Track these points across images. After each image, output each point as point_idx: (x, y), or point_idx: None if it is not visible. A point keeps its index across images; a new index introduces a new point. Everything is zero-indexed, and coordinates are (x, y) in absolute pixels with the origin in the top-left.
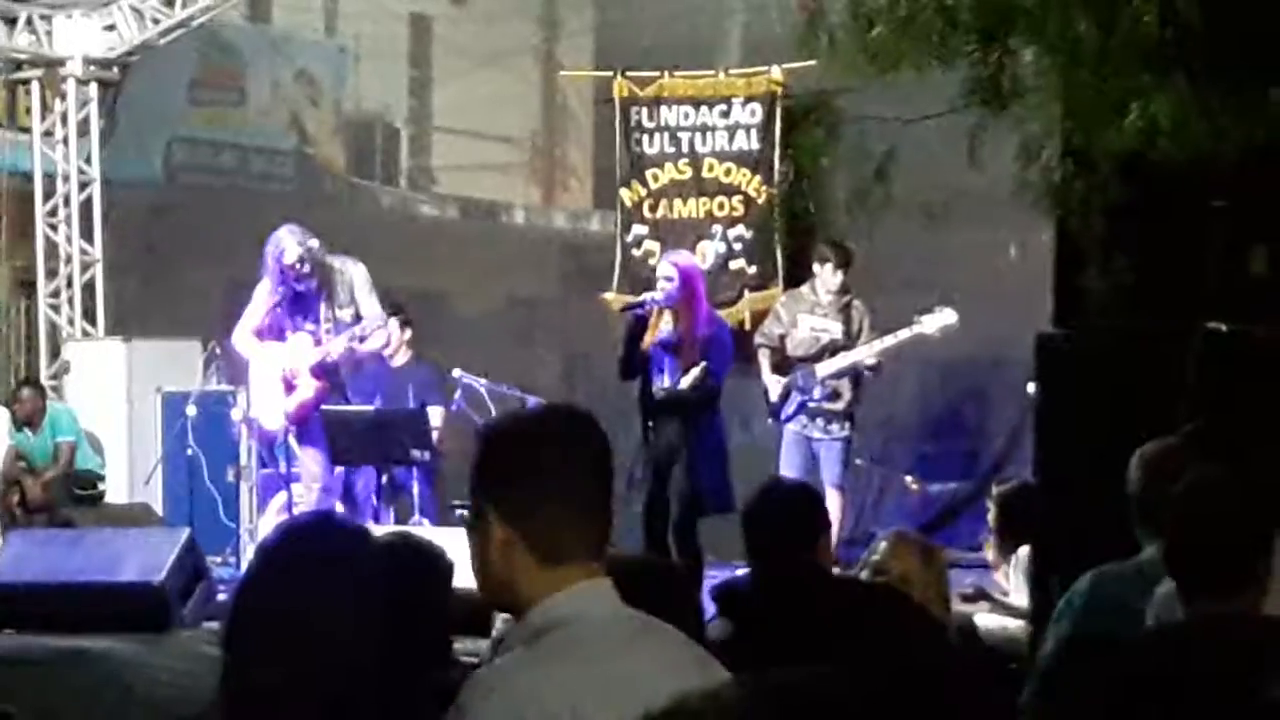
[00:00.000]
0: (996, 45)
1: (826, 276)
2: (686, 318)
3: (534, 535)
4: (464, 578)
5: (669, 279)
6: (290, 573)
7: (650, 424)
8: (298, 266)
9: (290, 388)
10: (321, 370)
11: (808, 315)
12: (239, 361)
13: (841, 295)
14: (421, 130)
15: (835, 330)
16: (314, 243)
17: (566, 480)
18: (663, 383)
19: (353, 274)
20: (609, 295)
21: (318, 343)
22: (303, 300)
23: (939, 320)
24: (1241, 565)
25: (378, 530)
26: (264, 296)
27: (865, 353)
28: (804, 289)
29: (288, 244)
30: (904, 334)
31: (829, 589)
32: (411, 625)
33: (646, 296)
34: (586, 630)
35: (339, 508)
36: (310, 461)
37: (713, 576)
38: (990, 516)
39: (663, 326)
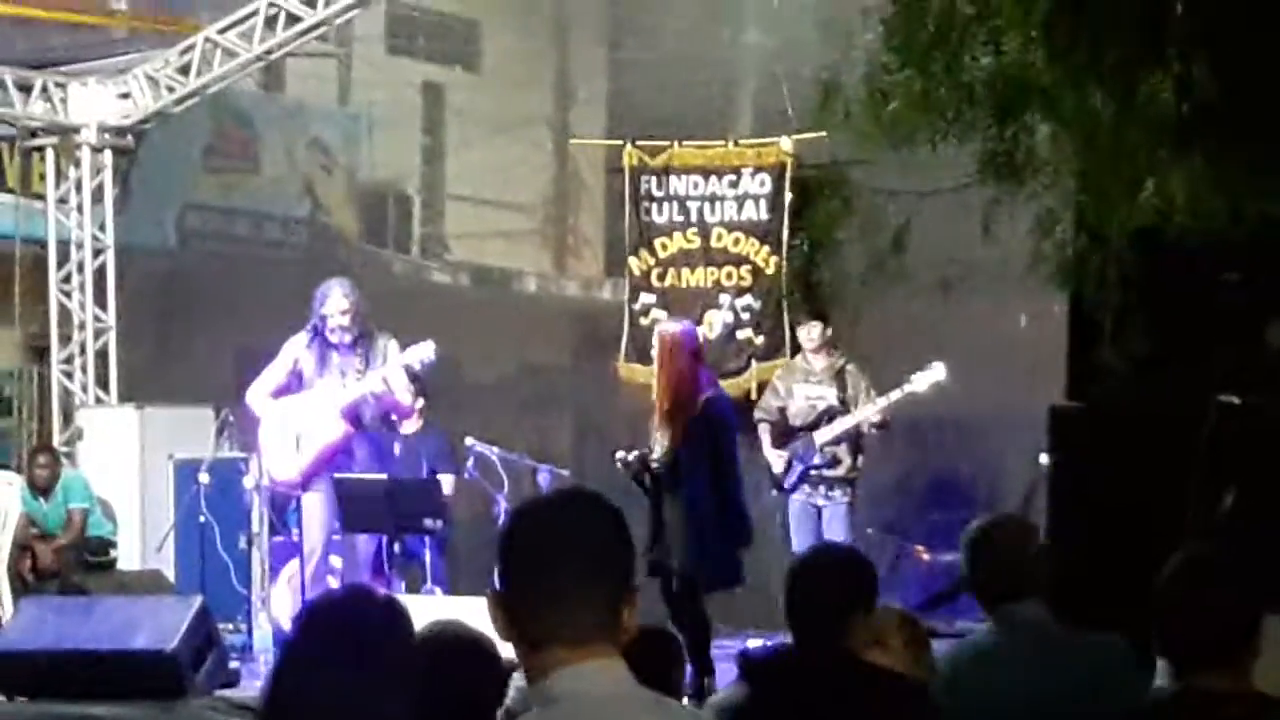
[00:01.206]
0: (1012, 121)
1: (804, 337)
2: (672, 385)
3: (519, 618)
4: None
5: (653, 346)
6: (327, 648)
7: (653, 498)
8: (338, 316)
9: (310, 437)
10: (352, 414)
11: (802, 384)
12: (251, 428)
13: (833, 359)
14: (434, 198)
15: (831, 396)
16: (361, 302)
17: (547, 567)
18: (657, 455)
19: (388, 345)
20: (620, 364)
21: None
22: (336, 354)
23: (929, 377)
24: (1234, 641)
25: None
26: (293, 352)
27: (860, 416)
28: (797, 359)
29: (334, 294)
30: (896, 394)
31: (854, 675)
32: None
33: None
34: (575, 709)
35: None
36: (315, 524)
37: (725, 646)
38: None
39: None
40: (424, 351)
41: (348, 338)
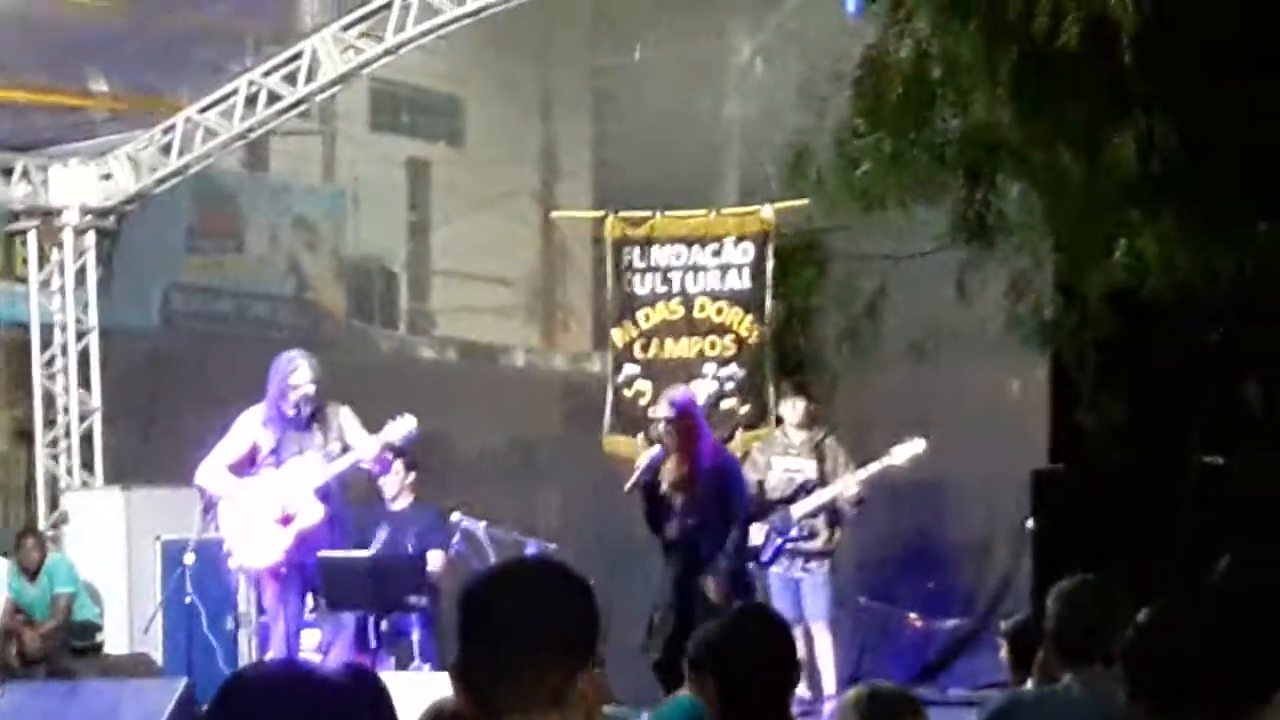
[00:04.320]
0: (983, 181)
1: (787, 411)
2: (688, 453)
3: (473, 690)
4: None
5: (667, 420)
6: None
7: (668, 566)
8: (306, 387)
9: (288, 520)
10: (325, 495)
11: (780, 457)
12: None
13: (813, 433)
14: (420, 273)
15: (809, 469)
16: (320, 374)
17: (496, 639)
18: (673, 525)
19: (340, 413)
20: (604, 437)
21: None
22: (295, 430)
23: (908, 450)
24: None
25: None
26: (249, 429)
27: (838, 489)
28: (776, 432)
29: (300, 364)
30: (875, 467)
31: None
32: None
33: (652, 453)
34: None
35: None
36: (282, 610)
37: None
38: (1003, 653)
39: (669, 466)
40: (406, 426)
41: (308, 412)
